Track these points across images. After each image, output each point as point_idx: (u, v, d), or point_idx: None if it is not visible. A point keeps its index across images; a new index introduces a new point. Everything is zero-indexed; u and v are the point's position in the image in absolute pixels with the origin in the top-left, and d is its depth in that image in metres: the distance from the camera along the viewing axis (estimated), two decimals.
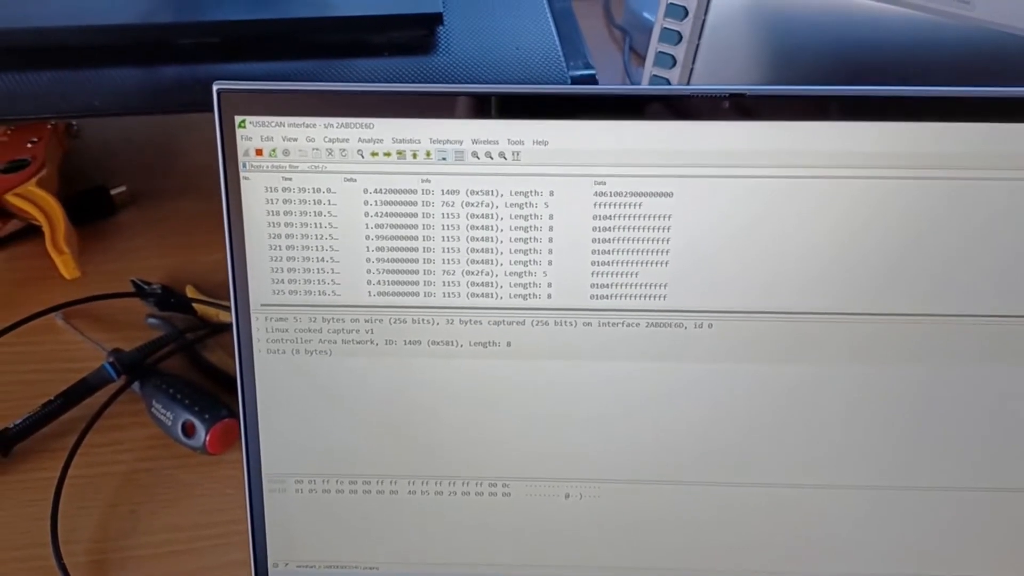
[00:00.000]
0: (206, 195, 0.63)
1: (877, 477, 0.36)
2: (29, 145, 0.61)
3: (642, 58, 0.75)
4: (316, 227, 0.34)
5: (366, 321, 0.35)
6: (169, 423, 0.46)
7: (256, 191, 0.33)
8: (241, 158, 0.33)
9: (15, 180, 0.58)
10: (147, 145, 0.67)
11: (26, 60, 0.57)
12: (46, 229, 0.56)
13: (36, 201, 0.57)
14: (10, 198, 0.57)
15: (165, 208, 0.62)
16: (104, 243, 0.59)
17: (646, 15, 0.76)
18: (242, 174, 0.33)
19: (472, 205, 0.33)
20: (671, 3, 0.50)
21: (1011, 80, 0.43)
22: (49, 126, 0.63)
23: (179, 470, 0.46)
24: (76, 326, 0.53)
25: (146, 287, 0.54)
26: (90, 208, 0.61)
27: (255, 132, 0.33)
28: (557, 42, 0.60)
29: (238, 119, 0.33)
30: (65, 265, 0.55)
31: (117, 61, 0.57)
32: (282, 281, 0.35)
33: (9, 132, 0.62)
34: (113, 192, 0.62)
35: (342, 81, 0.56)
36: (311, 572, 0.38)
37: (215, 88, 0.33)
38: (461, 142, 0.33)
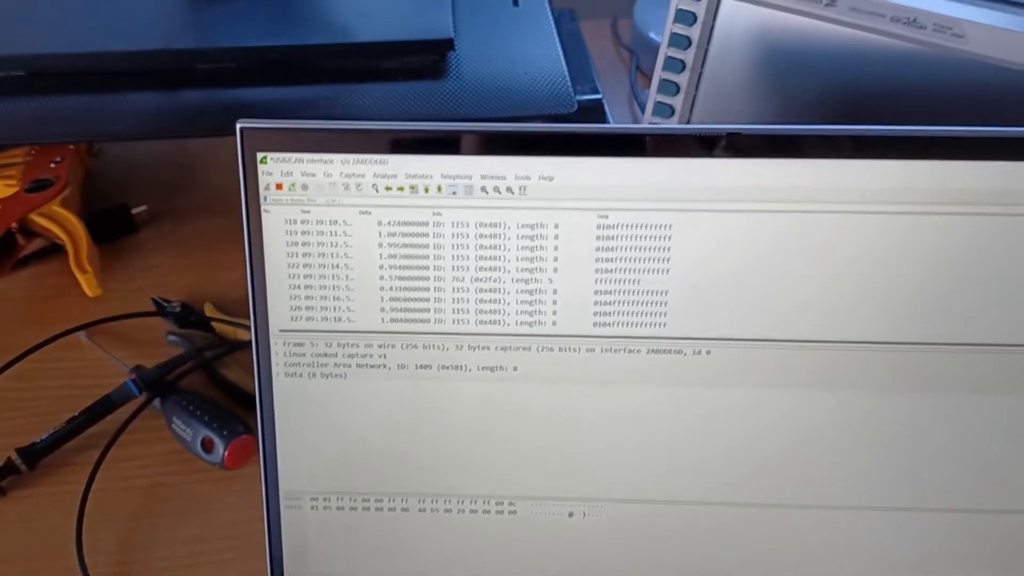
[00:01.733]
0: (225, 214, 0.65)
1: (866, 498, 0.38)
2: (52, 165, 0.63)
3: (648, 78, 0.76)
4: (333, 257, 0.36)
5: (379, 346, 0.37)
6: (189, 439, 0.48)
7: (276, 223, 0.35)
8: (262, 192, 0.35)
9: (39, 200, 0.59)
10: (166, 165, 0.69)
11: (51, 85, 0.59)
12: (69, 248, 0.58)
13: (59, 220, 0.59)
14: (34, 217, 0.59)
15: (185, 227, 0.64)
16: (125, 261, 0.61)
17: (652, 35, 0.78)
18: (263, 207, 0.35)
19: (481, 237, 0.35)
20: (675, 32, 0.52)
21: (1003, 111, 0.45)
22: (71, 146, 0.65)
23: (198, 484, 0.48)
24: (99, 344, 0.55)
25: (166, 305, 0.56)
26: (112, 227, 0.63)
27: (276, 167, 0.35)
28: (564, 67, 0.61)
29: (260, 155, 0.35)
30: (88, 283, 0.57)
31: (139, 86, 0.59)
32: (300, 308, 0.36)
33: (33, 152, 0.64)
34: (134, 211, 0.63)
35: (358, 104, 0.58)
36: None
37: (238, 126, 0.34)
38: (470, 177, 0.34)
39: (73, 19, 0.62)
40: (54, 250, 0.61)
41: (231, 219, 0.63)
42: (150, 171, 0.69)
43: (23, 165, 0.63)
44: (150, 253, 0.62)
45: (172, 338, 0.55)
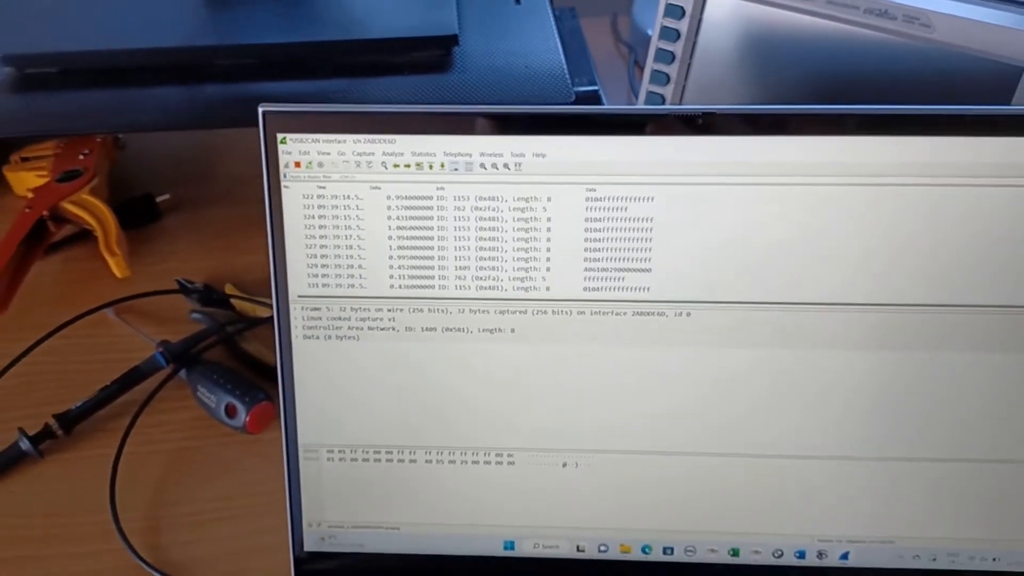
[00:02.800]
0: (242, 202, 0.68)
1: (835, 448, 0.41)
2: (81, 157, 0.66)
3: None
4: (346, 229, 0.39)
5: (388, 310, 0.40)
6: (213, 406, 0.52)
7: (295, 198, 0.39)
8: (282, 170, 0.39)
9: (70, 189, 0.63)
10: (187, 156, 0.73)
11: (81, 80, 0.63)
12: (99, 233, 0.61)
13: (89, 208, 0.63)
14: (66, 205, 0.63)
15: (205, 214, 0.68)
16: (150, 246, 0.65)
17: (649, 32, 0.81)
18: (283, 184, 0.39)
19: (480, 209, 0.39)
20: (664, 26, 0.55)
21: (967, 93, 0.48)
22: (98, 139, 0.68)
23: (221, 447, 0.52)
24: (127, 320, 0.58)
25: (189, 285, 0.60)
26: (137, 214, 0.67)
27: (294, 147, 0.38)
28: (563, 61, 0.64)
29: (280, 136, 0.38)
30: (117, 265, 0.60)
31: (163, 81, 0.62)
32: (316, 275, 0.40)
33: (62, 145, 0.68)
34: (158, 199, 0.67)
35: (368, 97, 0.62)
36: (341, 532, 0.43)
37: (260, 109, 0.38)
38: (470, 155, 0.38)
39: (100, 18, 0.66)
40: (82, 236, 0.65)
41: (248, 206, 0.68)
42: (172, 162, 0.73)
43: (53, 157, 0.67)
44: (173, 238, 0.66)
45: (195, 315, 0.58)
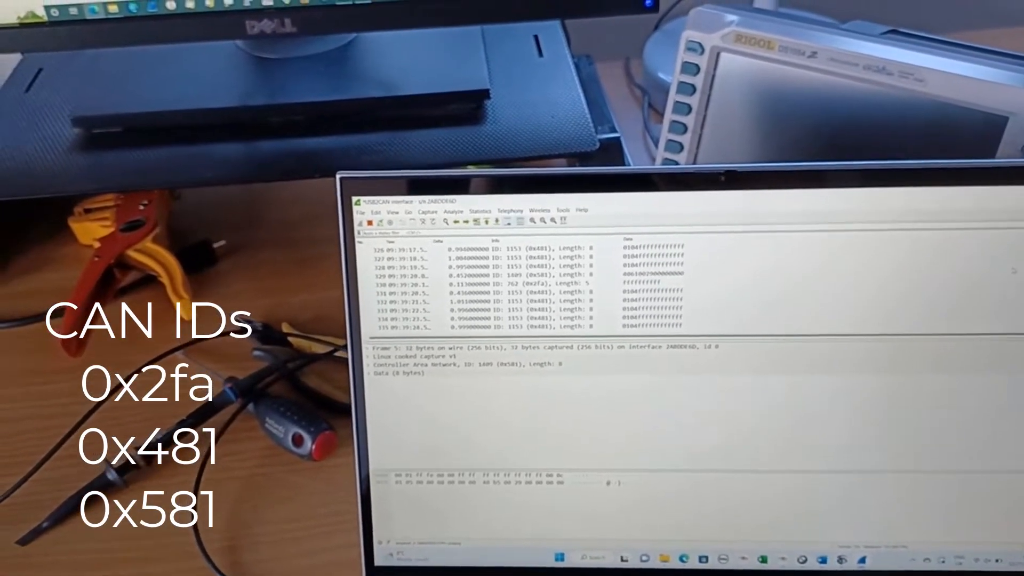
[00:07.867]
0: (291, 245, 0.74)
1: (853, 463, 0.46)
2: (141, 207, 0.71)
3: (659, 114, 0.85)
4: (412, 277, 0.45)
5: (450, 348, 0.45)
6: (280, 436, 0.57)
7: (368, 252, 0.44)
8: (356, 228, 0.44)
9: (134, 238, 0.68)
10: (238, 204, 0.78)
11: (145, 139, 0.68)
12: (165, 279, 0.66)
13: (154, 255, 0.67)
14: (131, 253, 0.67)
15: (258, 258, 0.72)
16: (210, 288, 0.70)
17: (661, 75, 0.86)
18: (357, 239, 0.44)
19: (530, 258, 0.44)
20: (681, 81, 0.61)
21: (957, 141, 0.53)
22: (156, 191, 0.74)
23: (290, 474, 0.56)
24: (196, 359, 0.64)
25: (250, 326, 0.65)
26: (195, 259, 0.72)
27: (367, 208, 0.44)
28: (586, 110, 0.70)
29: (355, 199, 0.44)
30: (184, 308, 0.65)
31: (220, 138, 0.68)
32: (386, 319, 0.45)
33: (122, 197, 0.73)
34: (215, 245, 0.72)
35: (408, 148, 0.67)
36: (408, 547, 0.48)
37: (338, 176, 0.43)
38: (521, 211, 0.43)
39: (162, 82, 0.72)
40: (144, 281, 0.70)
41: (297, 249, 0.73)
42: (224, 211, 0.77)
43: (115, 208, 0.72)
44: (231, 281, 0.71)
45: (257, 353, 0.63)
